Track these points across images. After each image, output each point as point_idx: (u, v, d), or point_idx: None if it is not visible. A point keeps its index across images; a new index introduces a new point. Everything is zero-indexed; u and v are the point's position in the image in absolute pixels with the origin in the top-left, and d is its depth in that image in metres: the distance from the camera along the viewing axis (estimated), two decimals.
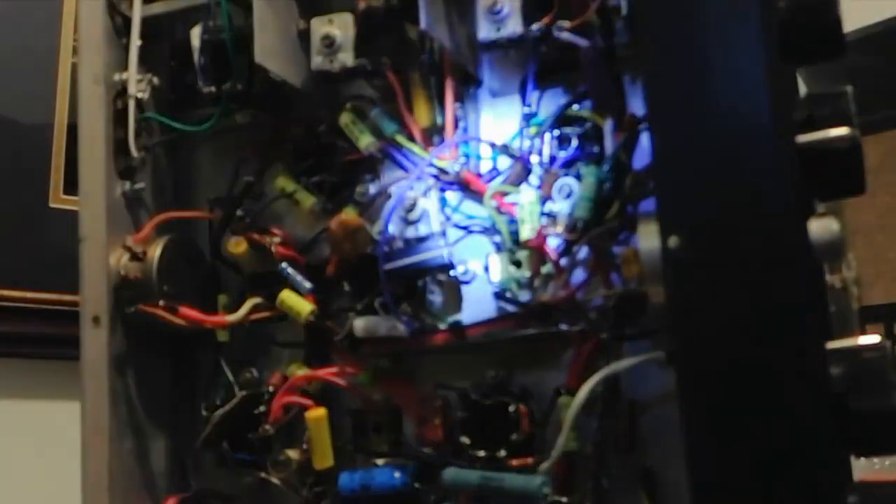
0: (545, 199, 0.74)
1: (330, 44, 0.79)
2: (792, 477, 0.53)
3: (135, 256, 0.81)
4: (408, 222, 0.77)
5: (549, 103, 0.77)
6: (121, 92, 0.85)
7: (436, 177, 0.78)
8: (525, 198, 0.74)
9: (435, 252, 0.76)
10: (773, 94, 0.55)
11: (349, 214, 0.80)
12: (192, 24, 0.85)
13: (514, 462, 0.73)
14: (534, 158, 0.76)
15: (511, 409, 0.74)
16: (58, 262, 1.33)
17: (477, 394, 0.76)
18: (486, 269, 0.76)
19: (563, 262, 0.74)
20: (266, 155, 0.86)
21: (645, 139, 0.70)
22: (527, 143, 0.77)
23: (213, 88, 0.83)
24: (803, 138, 0.57)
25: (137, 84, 0.84)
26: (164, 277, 0.81)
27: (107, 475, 0.79)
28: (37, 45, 1.43)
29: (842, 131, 0.57)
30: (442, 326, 0.77)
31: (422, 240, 0.77)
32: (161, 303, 0.80)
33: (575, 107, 0.76)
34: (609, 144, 0.73)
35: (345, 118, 0.81)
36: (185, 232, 0.88)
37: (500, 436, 0.74)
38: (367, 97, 0.83)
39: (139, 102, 0.84)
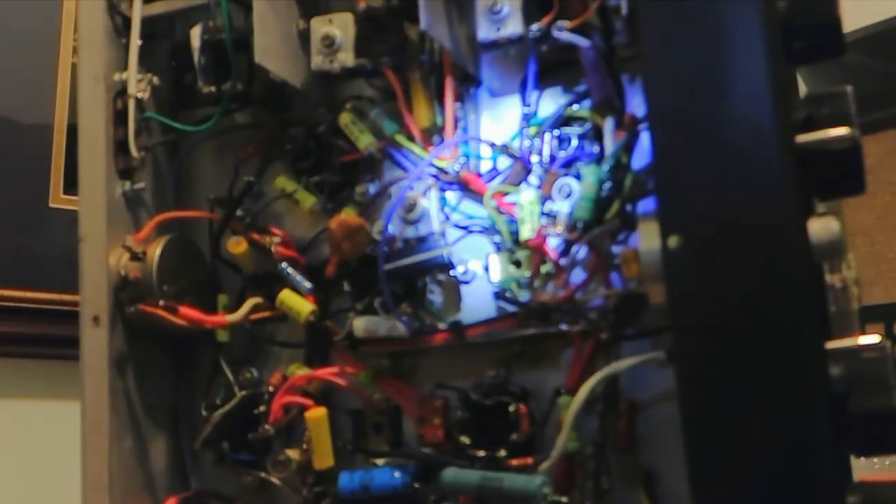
0: (545, 199, 0.74)
1: (330, 44, 0.79)
2: (792, 477, 0.53)
3: (135, 256, 0.81)
4: (408, 222, 0.77)
5: (549, 103, 0.77)
6: (121, 92, 0.85)
7: (436, 177, 0.78)
8: (525, 198, 0.74)
9: (435, 252, 0.76)
10: (773, 94, 0.55)
11: (349, 214, 0.80)
12: (192, 24, 0.85)
13: (514, 462, 0.73)
14: (534, 158, 0.76)
15: (511, 409, 0.74)
16: (58, 262, 1.33)
17: (477, 394, 0.76)
18: (486, 269, 0.76)
19: (563, 262, 0.74)
20: (266, 155, 0.86)
21: (645, 139, 0.70)
22: (527, 143, 0.77)
23: (213, 88, 0.83)
24: (803, 138, 0.57)
25: (137, 84, 0.84)
26: (164, 277, 0.81)
27: (107, 475, 0.79)
28: (37, 45, 1.43)
29: (842, 131, 0.57)
30: (442, 326, 0.77)
31: (422, 240, 0.77)
32: (161, 303, 0.80)
33: (575, 107, 0.76)
34: (609, 144, 0.73)
35: (345, 118, 0.81)
36: (185, 232, 0.88)
37: (500, 436, 0.74)
38: (367, 97, 0.83)
39: (139, 102, 0.84)
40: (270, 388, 0.81)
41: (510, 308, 0.75)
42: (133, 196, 0.85)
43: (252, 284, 0.84)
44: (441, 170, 0.78)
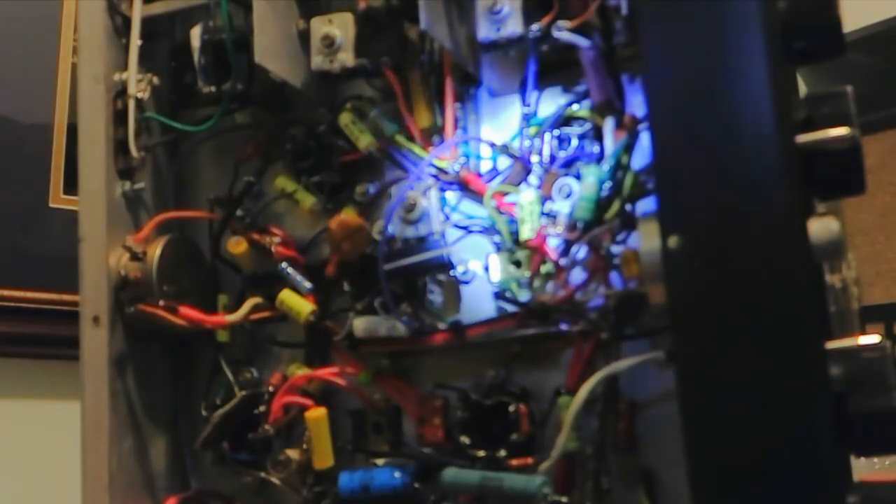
0: (545, 199, 0.74)
1: (330, 44, 0.79)
2: (792, 477, 0.53)
3: (135, 256, 0.81)
4: (408, 222, 0.77)
5: (548, 103, 0.77)
6: (121, 92, 0.85)
7: (436, 177, 0.78)
8: (525, 198, 0.74)
9: (435, 252, 0.76)
10: (773, 94, 0.55)
11: (349, 214, 0.80)
12: (192, 24, 0.85)
13: (514, 462, 0.73)
14: (534, 158, 0.76)
15: (511, 409, 0.74)
16: (58, 262, 1.33)
17: (477, 394, 0.76)
18: (486, 269, 0.76)
19: (563, 262, 0.74)
20: (266, 155, 0.86)
21: (645, 139, 0.70)
22: (527, 143, 0.77)
23: (213, 88, 0.83)
24: (803, 138, 0.57)
25: (137, 84, 0.84)
26: (164, 277, 0.81)
27: (107, 475, 0.79)
28: (37, 45, 1.43)
29: (842, 131, 0.57)
30: (442, 326, 0.77)
31: (422, 240, 0.77)
32: (161, 303, 0.80)
33: (575, 107, 0.76)
34: (609, 144, 0.73)
35: (345, 118, 0.81)
36: (185, 232, 0.88)
37: (500, 436, 0.74)
38: (367, 97, 0.83)
39: (139, 102, 0.84)
40: (270, 388, 0.81)
41: (510, 308, 0.75)
42: (133, 196, 0.85)
43: (252, 284, 0.84)
44: (441, 170, 0.78)
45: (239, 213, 0.85)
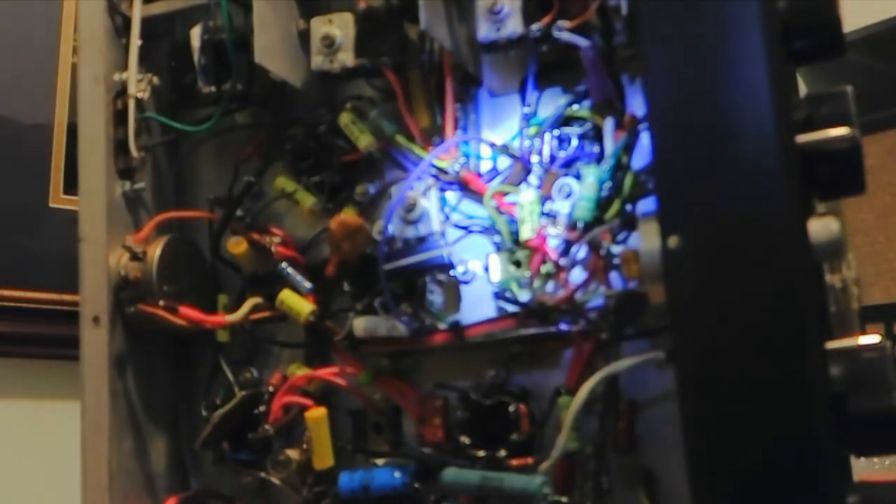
0: (545, 199, 0.74)
1: (330, 44, 0.79)
2: (792, 477, 0.53)
3: (135, 256, 0.81)
4: (408, 222, 0.77)
5: (548, 103, 0.77)
6: (121, 92, 0.85)
7: (436, 177, 0.78)
8: (525, 198, 0.74)
9: (435, 252, 0.76)
10: (773, 94, 0.55)
11: (349, 214, 0.80)
12: (192, 24, 0.85)
13: (514, 462, 0.73)
14: (534, 158, 0.76)
15: (511, 409, 0.74)
16: (58, 262, 1.33)
17: (477, 394, 0.76)
18: (486, 269, 0.76)
19: (563, 262, 0.74)
20: (266, 155, 0.86)
21: (645, 139, 0.70)
22: (527, 143, 0.77)
23: (213, 88, 0.83)
24: (803, 138, 0.57)
25: (137, 84, 0.84)
26: (164, 277, 0.81)
27: (107, 475, 0.79)
28: (37, 45, 1.43)
29: (842, 131, 0.57)
30: (442, 326, 0.77)
31: (422, 240, 0.77)
32: (161, 303, 0.80)
33: (575, 107, 0.76)
34: (609, 144, 0.73)
35: (345, 118, 0.81)
36: (185, 232, 0.88)
37: (500, 436, 0.74)
38: (367, 97, 0.83)
39: (139, 102, 0.84)
40: (270, 388, 0.81)
41: (510, 308, 0.75)
42: (133, 196, 0.85)
43: (252, 284, 0.84)
44: (441, 170, 0.78)
45: (239, 213, 0.85)
